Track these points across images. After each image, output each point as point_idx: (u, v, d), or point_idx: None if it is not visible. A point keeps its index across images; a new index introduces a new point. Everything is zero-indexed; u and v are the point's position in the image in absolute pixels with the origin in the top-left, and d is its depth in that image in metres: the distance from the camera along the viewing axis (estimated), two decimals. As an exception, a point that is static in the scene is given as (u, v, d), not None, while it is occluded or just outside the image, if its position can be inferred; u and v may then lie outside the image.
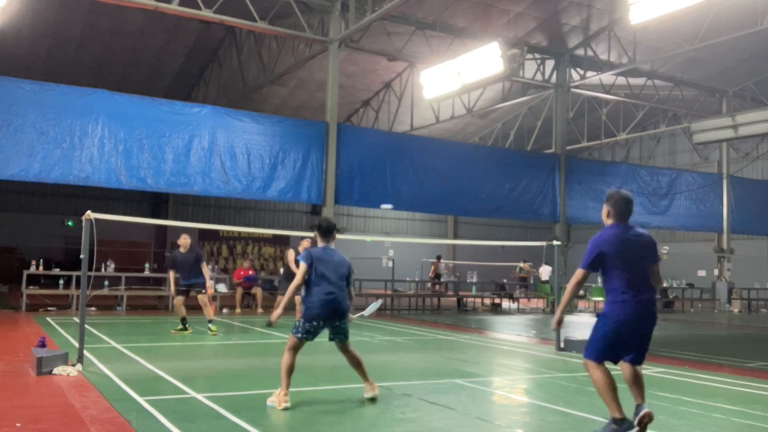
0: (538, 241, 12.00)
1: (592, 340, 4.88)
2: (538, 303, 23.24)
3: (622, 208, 4.96)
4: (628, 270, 4.79)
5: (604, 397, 4.77)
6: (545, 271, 23.02)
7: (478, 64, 17.28)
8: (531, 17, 21.32)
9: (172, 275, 11.43)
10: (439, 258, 24.75)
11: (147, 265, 17.96)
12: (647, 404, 4.79)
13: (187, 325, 11.41)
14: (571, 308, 20.97)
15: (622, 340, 4.77)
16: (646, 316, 4.79)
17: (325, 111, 19.06)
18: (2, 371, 7.12)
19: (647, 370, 6.40)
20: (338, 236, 6.36)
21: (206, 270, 11.47)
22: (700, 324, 17.23)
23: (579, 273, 4.90)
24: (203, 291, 11.25)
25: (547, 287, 21.76)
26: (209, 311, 11.40)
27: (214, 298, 15.94)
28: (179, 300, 11.34)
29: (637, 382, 4.82)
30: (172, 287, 11.43)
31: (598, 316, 4.94)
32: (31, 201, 30.33)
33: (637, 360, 4.86)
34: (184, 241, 11.44)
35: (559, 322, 5.15)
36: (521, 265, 24.75)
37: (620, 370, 4.87)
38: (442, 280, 24.27)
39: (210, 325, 11.30)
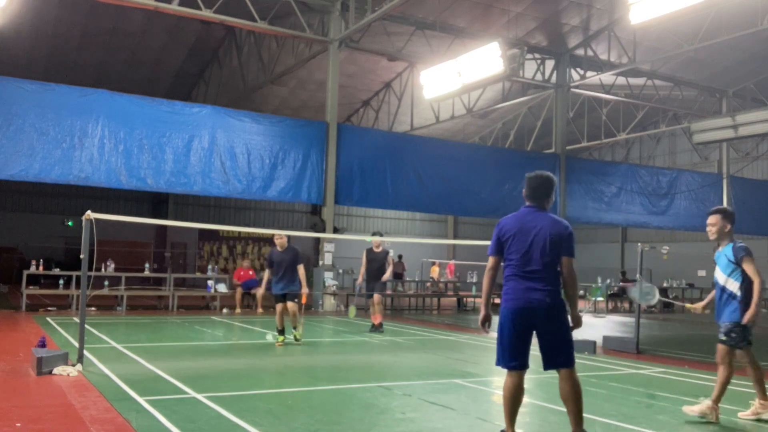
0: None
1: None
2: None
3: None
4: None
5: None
6: None
7: (478, 64, 17.27)
8: (531, 17, 21.32)
9: (266, 275, 10.41)
10: (400, 257, 24.86)
11: (147, 265, 17.95)
12: None
13: (284, 333, 10.34)
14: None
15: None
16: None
17: (325, 111, 19.07)
18: (2, 371, 7.11)
19: (647, 370, 6.38)
20: (338, 236, 6.34)
21: (302, 272, 10.20)
22: (700, 324, 17.21)
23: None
24: (295, 300, 10.06)
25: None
26: (297, 319, 10.20)
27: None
28: (280, 307, 10.13)
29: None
30: (263, 288, 10.87)
31: None
32: (31, 201, 30.31)
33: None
34: (281, 240, 10.26)
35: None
36: None
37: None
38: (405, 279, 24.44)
39: (295, 331, 10.28)
